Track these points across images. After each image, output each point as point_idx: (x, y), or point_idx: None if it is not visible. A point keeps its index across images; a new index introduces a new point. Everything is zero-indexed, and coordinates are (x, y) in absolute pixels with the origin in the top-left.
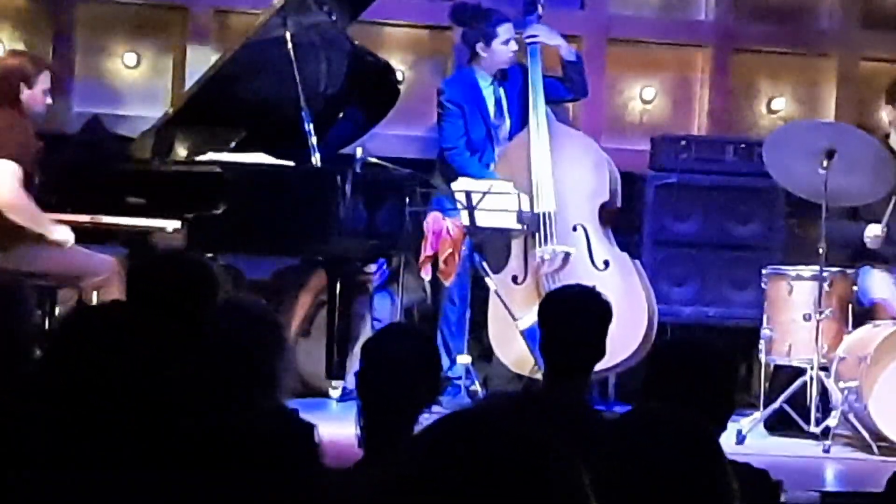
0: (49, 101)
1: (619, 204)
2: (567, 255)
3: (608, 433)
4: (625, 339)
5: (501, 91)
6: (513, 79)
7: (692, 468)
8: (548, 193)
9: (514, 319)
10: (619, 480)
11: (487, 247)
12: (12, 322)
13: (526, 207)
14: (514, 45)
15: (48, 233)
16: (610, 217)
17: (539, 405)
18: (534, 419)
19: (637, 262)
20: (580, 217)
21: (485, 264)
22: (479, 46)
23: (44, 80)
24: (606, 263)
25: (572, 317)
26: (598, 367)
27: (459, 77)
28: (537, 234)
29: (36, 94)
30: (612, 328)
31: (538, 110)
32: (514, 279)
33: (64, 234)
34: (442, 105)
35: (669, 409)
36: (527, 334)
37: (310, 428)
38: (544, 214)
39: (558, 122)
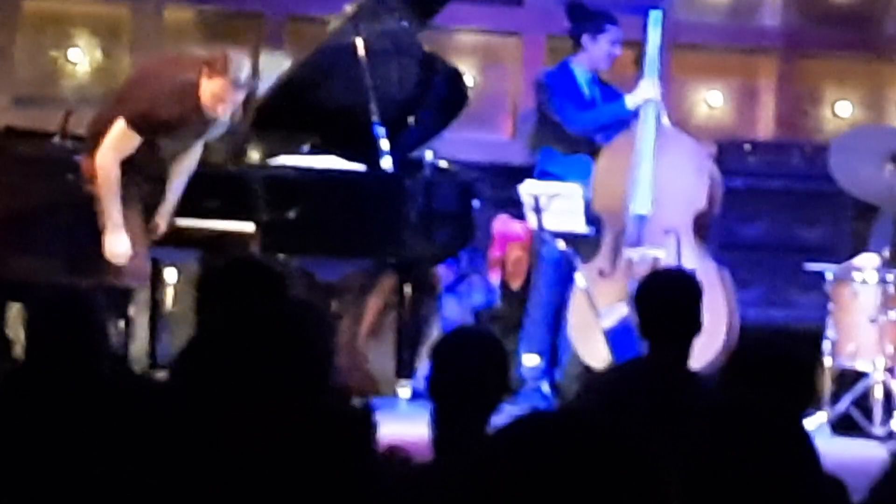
0: (220, 110)
1: (716, 212)
2: (657, 259)
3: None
4: (703, 347)
5: (597, 91)
6: (608, 96)
7: (787, 455)
8: (646, 195)
9: (598, 318)
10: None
11: (579, 238)
12: (85, 332)
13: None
14: (618, 50)
15: (107, 217)
16: (703, 224)
17: (641, 370)
18: (636, 385)
19: (726, 272)
20: (674, 222)
21: (577, 260)
22: (586, 38)
23: (221, 88)
24: (693, 272)
25: (666, 293)
26: None
27: (558, 70)
28: (628, 234)
29: (208, 90)
30: None
31: (648, 107)
32: (601, 272)
33: (118, 245)
34: (546, 88)
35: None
36: (609, 334)
37: (368, 414)
38: (639, 216)
39: (667, 123)
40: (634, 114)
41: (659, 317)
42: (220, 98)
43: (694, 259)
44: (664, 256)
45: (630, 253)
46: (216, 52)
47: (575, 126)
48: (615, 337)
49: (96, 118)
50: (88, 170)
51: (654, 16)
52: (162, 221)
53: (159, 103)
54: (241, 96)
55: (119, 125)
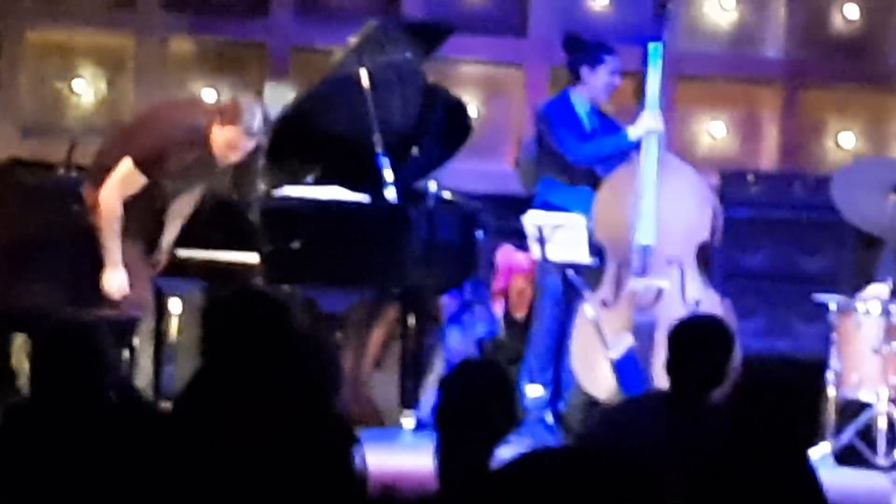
0: (233, 158)
1: (716, 242)
2: (661, 289)
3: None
4: None
5: (597, 122)
6: (607, 127)
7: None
8: (650, 226)
9: (607, 348)
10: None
11: (581, 269)
12: (89, 362)
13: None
14: (617, 80)
15: (106, 254)
16: (704, 255)
17: (660, 405)
18: (653, 420)
19: (727, 301)
20: (678, 253)
21: (587, 290)
22: (584, 70)
23: (233, 136)
24: (697, 303)
25: (700, 346)
26: None
27: (557, 101)
28: (632, 264)
29: (225, 135)
30: None
31: (651, 138)
32: (604, 303)
33: (115, 280)
34: (546, 119)
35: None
36: (616, 365)
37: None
38: (643, 247)
39: (669, 153)
40: (636, 145)
41: (690, 361)
42: (232, 146)
43: (698, 289)
44: (668, 287)
45: (634, 283)
46: (228, 101)
47: (576, 156)
48: (622, 368)
49: (103, 150)
50: (91, 200)
51: (654, 48)
52: (162, 257)
53: (169, 148)
54: (252, 144)
55: (126, 164)
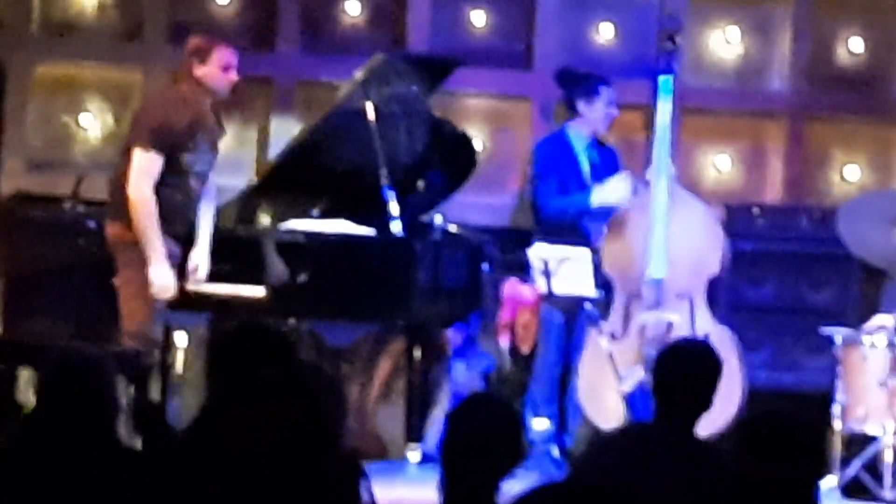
0: (233, 77)
1: (722, 275)
2: (670, 323)
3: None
4: (715, 413)
5: (595, 154)
6: (607, 158)
7: None
8: (661, 259)
9: (620, 381)
10: None
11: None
12: (96, 395)
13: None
14: (615, 110)
15: (151, 250)
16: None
17: (648, 436)
18: (643, 451)
19: (735, 337)
20: (688, 286)
21: (601, 323)
22: (581, 103)
23: (220, 57)
24: (706, 336)
25: (687, 370)
26: None
27: (553, 138)
28: (643, 298)
29: (212, 71)
30: None
31: (661, 170)
32: (613, 335)
33: (164, 276)
34: (533, 159)
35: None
36: (628, 398)
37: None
38: (655, 281)
39: (679, 186)
40: (612, 171)
41: (676, 386)
42: (227, 64)
43: (707, 323)
44: (678, 321)
45: (645, 317)
46: (191, 44)
47: (545, 212)
48: (633, 401)
49: (113, 179)
50: (112, 234)
51: (664, 81)
52: (201, 263)
53: (168, 114)
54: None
55: (138, 154)
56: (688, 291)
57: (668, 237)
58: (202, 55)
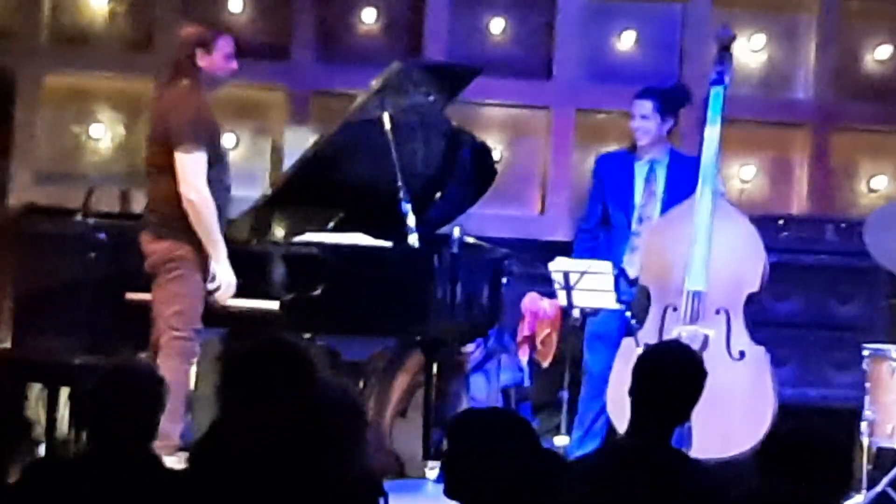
0: (234, 66)
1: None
2: (707, 336)
3: None
4: (747, 432)
5: (661, 172)
6: (678, 166)
7: None
8: (701, 272)
9: None
10: None
11: (635, 305)
12: (141, 410)
13: None
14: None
15: (216, 253)
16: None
17: (622, 453)
18: (618, 467)
19: (769, 355)
20: (726, 302)
21: (638, 331)
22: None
23: (223, 46)
24: (742, 354)
25: (664, 377)
26: (712, 454)
27: (617, 153)
28: (679, 311)
29: (216, 60)
30: (737, 419)
31: (707, 181)
32: (647, 347)
33: (230, 274)
34: (592, 178)
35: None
36: None
37: None
38: (693, 293)
39: (724, 200)
40: (692, 189)
41: (652, 391)
42: (229, 53)
43: (743, 340)
44: (714, 336)
45: (680, 330)
46: (189, 34)
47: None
48: None
49: (155, 196)
50: (150, 249)
51: (716, 92)
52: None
53: (199, 109)
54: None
55: (180, 157)
56: (725, 307)
57: (710, 250)
58: (207, 45)
